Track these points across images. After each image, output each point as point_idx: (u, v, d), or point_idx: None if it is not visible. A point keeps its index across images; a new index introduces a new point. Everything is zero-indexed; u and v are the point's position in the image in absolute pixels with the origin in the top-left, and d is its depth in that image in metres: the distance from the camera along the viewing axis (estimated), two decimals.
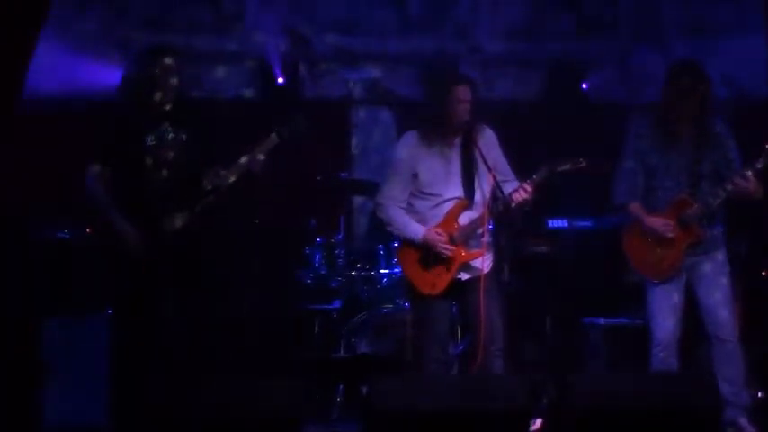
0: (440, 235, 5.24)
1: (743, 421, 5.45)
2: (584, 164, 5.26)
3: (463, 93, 5.25)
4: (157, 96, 5.22)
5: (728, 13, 7.98)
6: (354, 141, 8.15)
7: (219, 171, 5.32)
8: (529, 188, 5.16)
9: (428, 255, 5.27)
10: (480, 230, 5.28)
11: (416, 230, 5.28)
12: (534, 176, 5.20)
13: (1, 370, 5.91)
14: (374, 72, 8.05)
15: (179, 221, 5.22)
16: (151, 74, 5.21)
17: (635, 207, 5.57)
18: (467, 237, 5.28)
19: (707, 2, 8.05)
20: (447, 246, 5.24)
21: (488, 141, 5.37)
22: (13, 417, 5.83)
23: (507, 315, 5.36)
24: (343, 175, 7.25)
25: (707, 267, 5.52)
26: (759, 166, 5.33)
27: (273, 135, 5.33)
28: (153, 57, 5.23)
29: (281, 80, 7.79)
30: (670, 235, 5.46)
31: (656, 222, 5.49)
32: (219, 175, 5.30)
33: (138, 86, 5.27)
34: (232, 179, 5.28)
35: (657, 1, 8.07)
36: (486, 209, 5.21)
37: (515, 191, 5.18)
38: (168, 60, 5.23)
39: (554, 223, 7.35)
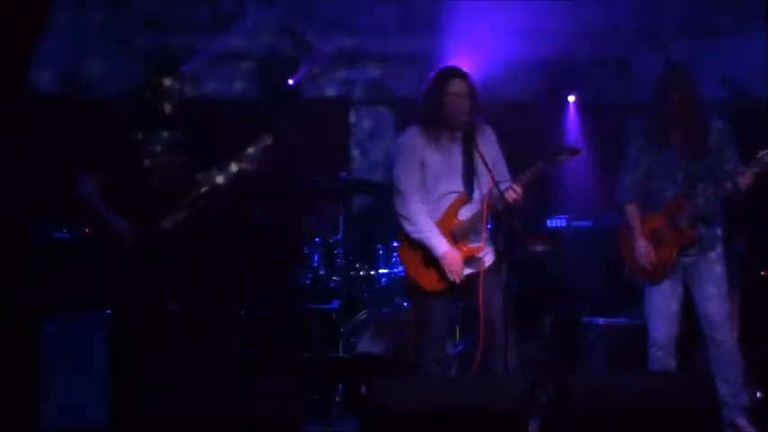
0: (459, 262, 5.20)
1: (742, 422, 5.45)
2: (579, 152, 5.28)
3: (457, 86, 5.24)
4: (153, 111, 5.22)
5: (728, 14, 7.98)
6: (354, 141, 8.15)
7: (212, 170, 5.32)
8: (518, 188, 5.13)
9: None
10: (480, 226, 5.28)
11: (439, 244, 5.20)
12: (521, 175, 5.17)
13: (0, 370, 5.91)
14: (374, 72, 8.04)
15: (177, 221, 5.22)
16: (148, 93, 5.21)
17: (631, 210, 5.58)
18: (467, 232, 5.27)
19: (707, 2, 8.05)
20: (459, 274, 5.20)
21: (488, 140, 5.36)
22: (12, 417, 5.83)
23: (507, 315, 5.35)
24: (343, 175, 7.25)
25: (703, 268, 5.52)
26: (753, 170, 5.31)
27: (267, 134, 5.33)
28: (153, 76, 5.21)
29: (291, 81, 7.78)
30: (648, 267, 5.48)
31: (639, 248, 5.50)
32: (210, 175, 5.30)
33: (136, 99, 5.27)
34: (219, 180, 5.27)
35: (657, 1, 8.07)
36: (485, 204, 5.20)
37: (505, 191, 5.14)
38: (167, 82, 5.21)
39: (554, 223, 7.36)
